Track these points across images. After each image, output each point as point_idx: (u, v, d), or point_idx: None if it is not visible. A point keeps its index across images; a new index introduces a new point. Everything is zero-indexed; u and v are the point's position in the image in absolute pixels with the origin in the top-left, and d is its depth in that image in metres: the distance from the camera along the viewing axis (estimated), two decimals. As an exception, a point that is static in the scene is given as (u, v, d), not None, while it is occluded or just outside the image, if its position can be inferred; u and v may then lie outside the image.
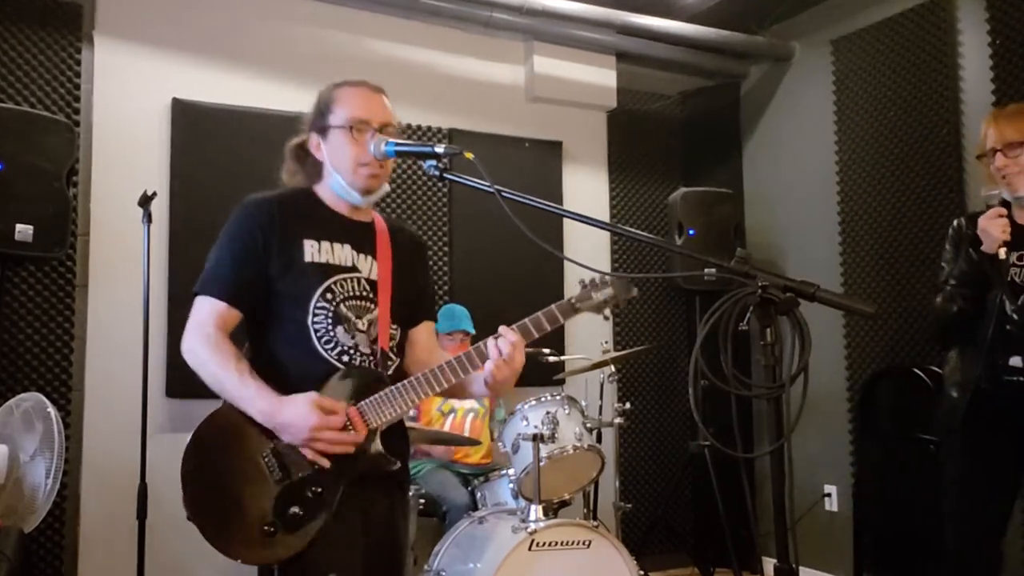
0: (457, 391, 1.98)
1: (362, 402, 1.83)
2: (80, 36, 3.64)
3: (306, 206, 1.96)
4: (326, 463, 1.78)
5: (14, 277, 3.43)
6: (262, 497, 1.75)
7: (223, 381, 1.79)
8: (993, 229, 2.36)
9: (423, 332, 2.10)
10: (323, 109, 1.96)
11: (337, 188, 1.94)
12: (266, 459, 1.77)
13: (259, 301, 1.87)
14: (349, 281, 1.91)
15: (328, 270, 1.90)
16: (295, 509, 1.75)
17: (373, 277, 1.95)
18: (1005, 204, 2.45)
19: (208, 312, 1.84)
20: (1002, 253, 2.35)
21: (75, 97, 3.60)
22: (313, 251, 1.89)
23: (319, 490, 1.78)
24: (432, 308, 2.22)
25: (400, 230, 2.09)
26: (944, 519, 2.64)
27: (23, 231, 3.10)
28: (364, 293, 1.92)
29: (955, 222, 2.66)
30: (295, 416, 1.75)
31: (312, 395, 1.78)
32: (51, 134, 3.22)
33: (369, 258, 1.96)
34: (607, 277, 1.91)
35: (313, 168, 2.00)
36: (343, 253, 1.93)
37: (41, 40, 3.55)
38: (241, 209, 1.91)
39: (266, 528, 1.73)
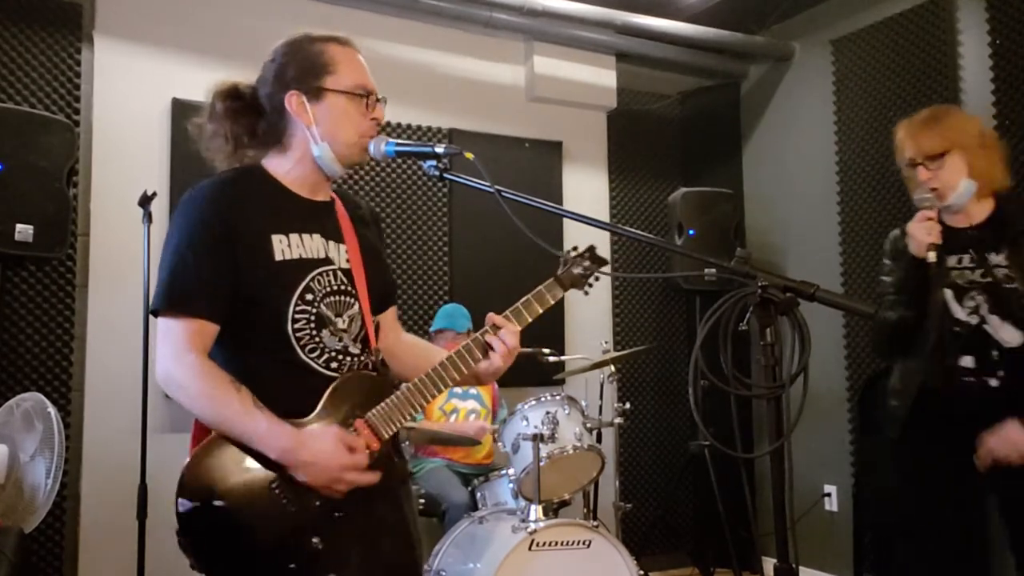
0: (463, 382, 1.81)
1: (370, 413, 1.65)
2: (80, 36, 3.64)
3: (261, 191, 1.69)
4: (341, 495, 1.59)
5: (14, 277, 3.43)
6: (281, 535, 1.54)
7: (224, 418, 1.55)
8: (919, 233, 2.30)
9: (389, 317, 1.91)
10: (313, 67, 1.72)
11: (324, 159, 1.70)
12: (276, 488, 1.55)
13: (234, 307, 1.61)
14: (326, 275, 1.69)
15: (304, 266, 1.66)
16: (315, 540, 1.56)
17: (345, 265, 1.73)
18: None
19: (181, 334, 1.56)
20: (930, 256, 2.27)
21: (75, 97, 3.60)
22: (283, 247, 1.64)
23: (339, 514, 1.59)
24: (395, 289, 2.01)
25: (356, 205, 1.87)
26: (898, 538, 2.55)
27: (23, 231, 3.09)
28: (341, 286, 1.70)
29: (891, 234, 2.57)
30: (320, 454, 1.54)
31: (336, 430, 1.59)
32: (51, 134, 3.21)
33: (340, 245, 1.74)
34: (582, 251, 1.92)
35: (271, 134, 1.73)
36: (314, 244, 1.69)
37: (41, 40, 3.55)
38: (190, 201, 1.63)
39: (291, 567, 1.54)
